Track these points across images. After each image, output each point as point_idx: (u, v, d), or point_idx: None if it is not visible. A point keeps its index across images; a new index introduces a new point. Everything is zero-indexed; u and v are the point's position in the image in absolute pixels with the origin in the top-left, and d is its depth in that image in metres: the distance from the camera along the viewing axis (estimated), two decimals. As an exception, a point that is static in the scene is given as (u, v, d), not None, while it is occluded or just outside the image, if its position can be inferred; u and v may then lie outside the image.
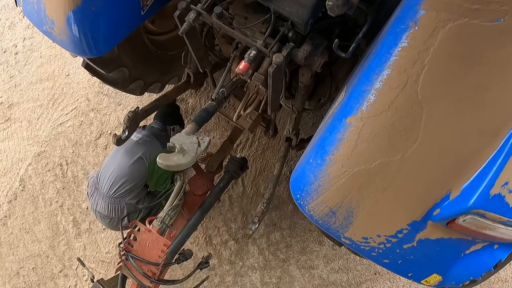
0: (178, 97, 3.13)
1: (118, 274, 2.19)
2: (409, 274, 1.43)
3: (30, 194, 3.27)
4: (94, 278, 2.18)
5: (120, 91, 2.77)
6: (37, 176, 3.30)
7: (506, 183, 1.18)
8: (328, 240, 2.72)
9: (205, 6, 1.74)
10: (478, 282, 1.44)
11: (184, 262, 2.24)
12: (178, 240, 2.18)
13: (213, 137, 3.17)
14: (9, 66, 3.69)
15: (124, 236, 2.14)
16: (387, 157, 1.26)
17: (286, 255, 2.88)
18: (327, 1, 1.43)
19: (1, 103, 3.58)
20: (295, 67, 1.95)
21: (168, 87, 3.00)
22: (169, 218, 2.17)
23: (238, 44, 1.99)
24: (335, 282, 2.79)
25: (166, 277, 2.27)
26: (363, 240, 1.38)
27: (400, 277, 2.49)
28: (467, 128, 1.23)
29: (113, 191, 2.39)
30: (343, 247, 2.22)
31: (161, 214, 2.18)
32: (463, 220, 1.21)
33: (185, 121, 3.08)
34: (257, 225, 2.23)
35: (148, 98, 3.22)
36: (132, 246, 2.11)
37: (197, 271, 2.29)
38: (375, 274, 2.78)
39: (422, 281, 1.43)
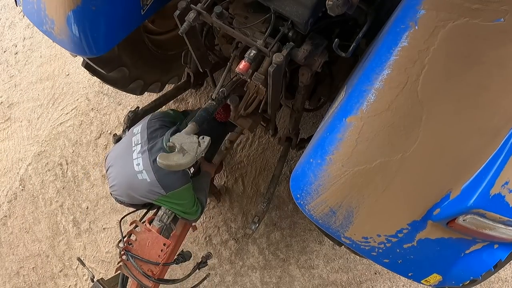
0: (178, 97, 3.12)
1: (118, 273, 2.20)
2: (409, 274, 1.43)
3: (30, 194, 3.27)
4: (94, 277, 2.18)
5: (120, 91, 2.76)
6: (37, 176, 3.30)
7: (506, 183, 1.18)
8: (328, 240, 2.72)
9: (205, 6, 1.73)
10: (478, 282, 1.44)
11: (184, 262, 2.25)
12: None
13: (213, 137, 3.17)
14: (9, 66, 3.69)
15: (124, 236, 2.15)
16: (387, 156, 1.26)
17: (286, 254, 2.88)
18: (327, 1, 1.43)
19: (1, 102, 3.58)
20: (295, 67, 1.95)
21: (168, 87, 3.00)
22: (167, 216, 2.17)
23: (238, 43, 1.99)
24: (335, 282, 2.79)
25: (166, 276, 2.27)
26: (363, 240, 1.37)
27: (400, 276, 2.50)
28: (467, 128, 1.23)
29: (117, 197, 2.34)
30: (343, 246, 2.21)
31: (160, 213, 2.18)
32: (463, 220, 1.21)
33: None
34: (257, 225, 2.24)
35: (148, 97, 3.21)
36: (132, 246, 2.11)
37: (197, 270, 2.29)
38: (375, 273, 2.77)
39: (422, 281, 1.43)
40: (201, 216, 2.99)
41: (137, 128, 2.18)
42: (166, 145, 2.02)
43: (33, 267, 3.13)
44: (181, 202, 2.11)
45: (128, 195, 2.16)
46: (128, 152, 2.11)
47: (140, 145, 2.09)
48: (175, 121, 2.22)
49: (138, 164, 2.04)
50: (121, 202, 2.30)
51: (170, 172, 1.95)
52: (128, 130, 2.31)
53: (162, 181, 2.01)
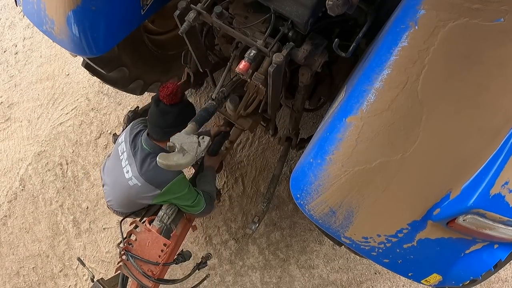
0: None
1: (118, 273, 2.20)
2: (409, 274, 1.43)
3: (30, 194, 3.27)
4: (94, 277, 2.18)
5: (120, 91, 2.76)
6: (37, 176, 3.30)
7: (506, 183, 1.18)
8: (328, 240, 2.72)
9: (205, 6, 1.74)
10: (478, 282, 1.44)
11: (184, 262, 2.25)
12: None
13: (213, 137, 3.18)
14: (9, 66, 3.69)
15: (124, 236, 2.15)
16: (387, 156, 1.26)
17: (286, 254, 2.88)
18: (327, 1, 1.43)
19: (1, 102, 3.58)
20: (295, 67, 1.95)
21: (168, 87, 3.00)
22: (167, 217, 2.17)
23: (238, 43, 1.99)
24: (335, 282, 2.79)
25: (166, 276, 2.27)
26: (363, 240, 1.37)
27: (400, 276, 2.50)
28: (467, 128, 1.23)
29: (114, 209, 2.34)
30: (343, 246, 2.22)
31: (160, 213, 2.18)
32: (463, 220, 1.21)
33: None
34: (257, 225, 2.24)
35: (148, 97, 3.21)
36: (132, 246, 2.11)
37: (197, 270, 2.29)
38: (375, 273, 2.78)
39: (422, 281, 1.43)
40: (202, 216, 3.00)
41: (121, 137, 2.19)
42: (145, 145, 2.04)
43: (33, 267, 3.13)
44: (180, 195, 2.10)
45: (126, 205, 2.20)
46: (117, 163, 2.12)
47: (126, 152, 2.10)
48: None
49: (127, 172, 2.06)
50: (120, 214, 2.33)
51: (157, 170, 1.93)
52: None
53: (152, 180, 2.01)
